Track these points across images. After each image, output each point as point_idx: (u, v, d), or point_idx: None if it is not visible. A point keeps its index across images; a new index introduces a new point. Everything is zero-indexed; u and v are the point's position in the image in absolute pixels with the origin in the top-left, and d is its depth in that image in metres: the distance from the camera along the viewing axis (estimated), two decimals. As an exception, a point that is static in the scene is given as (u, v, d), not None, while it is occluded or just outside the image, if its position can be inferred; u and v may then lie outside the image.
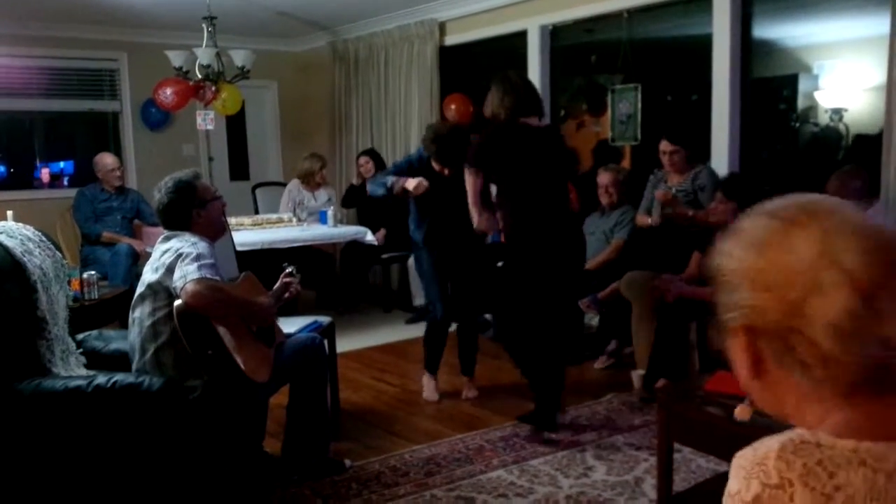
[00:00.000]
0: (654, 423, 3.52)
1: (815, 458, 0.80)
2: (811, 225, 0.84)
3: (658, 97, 5.57)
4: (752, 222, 0.89)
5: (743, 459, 0.85)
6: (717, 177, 4.56)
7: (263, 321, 2.92)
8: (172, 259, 2.68)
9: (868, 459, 0.79)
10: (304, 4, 6.61)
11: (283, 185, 6.93)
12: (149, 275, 2.77)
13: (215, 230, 2.94)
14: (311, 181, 6.56)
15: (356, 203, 6.64)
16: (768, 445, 0.84)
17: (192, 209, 2.86)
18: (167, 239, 2.82)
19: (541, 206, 3.55)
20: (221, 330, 2.67)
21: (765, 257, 0.84)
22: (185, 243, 2.72)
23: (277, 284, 3.18)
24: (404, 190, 4.04)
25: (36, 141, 7.57)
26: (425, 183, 4.00)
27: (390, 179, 4.09)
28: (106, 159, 6.02)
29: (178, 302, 2.62)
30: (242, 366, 2.67)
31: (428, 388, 4.26)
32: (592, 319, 5.40)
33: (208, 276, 2.60)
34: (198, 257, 2.63)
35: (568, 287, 3.74)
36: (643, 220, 4.72)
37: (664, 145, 4.58)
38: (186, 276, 2.58)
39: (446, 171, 4.05)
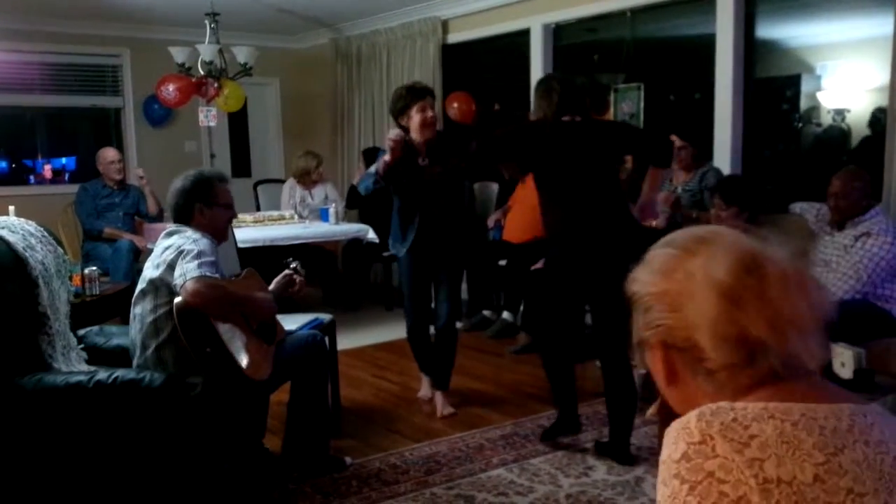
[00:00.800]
0: (655, 423, 3.52)
1: (730, 417, 0.91)
2: (700, 251, 1.00)
3: (661, 96, 5.57)
4: (658, 252, 1.04)
5: (670, 429, 0.95)
6: (723, 176, 4.56)
7: (264, 316, 2.92)
8: (174, 256, 2.68)
9: (776, 413, 0.91)
10: (307, 1, 6.61)
11: (285, 182, 6.93)
12: (150, 271, 2.77)
13: (214, 234, 2.90)
14: (306, 179, 6.55)
15: (358, 203, 6.63)
16: (688, 414, 0.94)
17: (196, 202, 2.86)
18: (169, 235, 2.82)
19: (578, 201, 3.32)
20: (222, 328, 2.67)
21: (667, 281, 1.00)
22: (187, 240, 2.72)
23: (278, 278, 3.18)
24: (386, 164, 3.68)
25: (38, 136, 7.57)
26: (399, 131, 3.71)
27: (374, 167, 3.80)
28: (107, 152, 6.03)
29: (177, 300, 2.62)
30: (242, 364, 2.67)
31: (423, 386, 4.22)
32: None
33: (208, 273, 2.60)
34: (199, 255, 2.63)
35: (609, 286, 3.18)
36: (647, 221, 4.71)
37: (675, 140, 4.57)
38: (186, 274, 2.58)
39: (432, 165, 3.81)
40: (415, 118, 3.72)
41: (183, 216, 2.87)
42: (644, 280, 1.02)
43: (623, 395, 3.36)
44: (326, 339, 3.38)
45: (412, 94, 3.76)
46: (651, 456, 3.30)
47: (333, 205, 6.13)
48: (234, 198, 3.04)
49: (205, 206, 2.87)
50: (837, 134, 4.93)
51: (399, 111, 3.79)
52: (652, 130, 4.62)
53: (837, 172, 3.83)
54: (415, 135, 3.74)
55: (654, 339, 0.99)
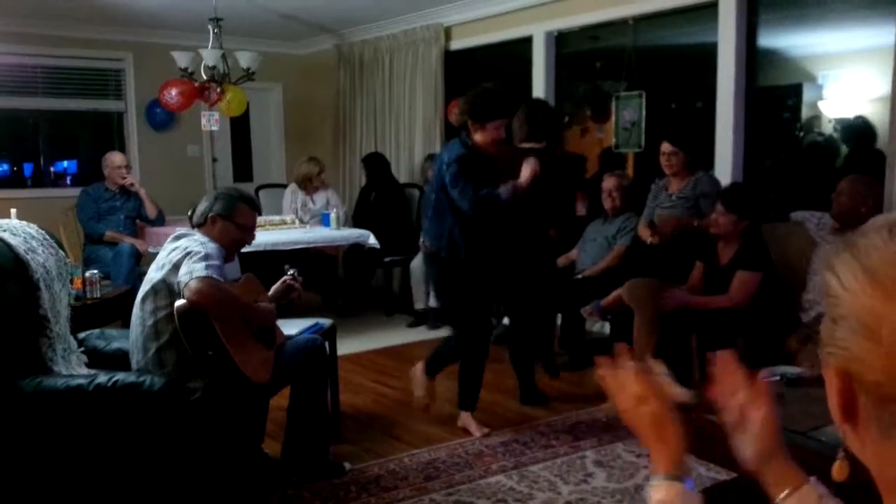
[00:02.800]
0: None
1: None
2: None
3: (662, 104, 5.58)
4: (876, 238, 0.69)
5: None
6: (718, 184, 4.56)
7: (264, 323, 2.92)
8: (180, 256, 2.69)
9: None
10: (310, 7, 6.63)
11: (287, 187, 6.94)
12: (153, 273, 2.78)
13: (223, 246, 2.87)
14: (308, 185, 6.56)
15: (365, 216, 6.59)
16: None
17: (213, 213, 2.89)
18: (177, 238, 2.84)
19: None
20: (221, 330, 2.67)
21: (887, 301, 0.65)
22: (194, 242, 2.74)
23: (277, 286, 3.19)
24: (523, 187, 3.68)
25: (40, 140, 7.58)
26: (536, 165, 3.72)
27: (501, 192, 3.61)
28: (114, 157, 6.04)
29: (179, 301, 2.63)
30: (242, 367, 2.67)
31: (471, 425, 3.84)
32: (594, 326, 5.39)
33: (214, 276, 2.61)
34: (206, 256, 2.65)
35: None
36: (644, 232, 4.72)
37: (665, 146, 4.58)
38: (193, 273, 2.59)
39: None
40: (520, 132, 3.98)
41: (199, 221, 2.92)
42: (848, 281, 0.68)
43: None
44: (326, 343, 3.38)
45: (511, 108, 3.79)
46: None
47: (335, 210, 6.14)
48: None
49: (219, 217, 2.89)
50: (838, 144, 4.93)
51: (489, 116, 3.63)
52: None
53: (849, 175, 3.83)
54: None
55: (834, 362, 0.70)
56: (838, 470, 0.77)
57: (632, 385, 1.04)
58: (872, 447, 0.69)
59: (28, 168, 7.46)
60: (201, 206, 2.96)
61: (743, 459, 1.01)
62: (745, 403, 1.04)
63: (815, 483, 1.00)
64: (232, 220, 2.92)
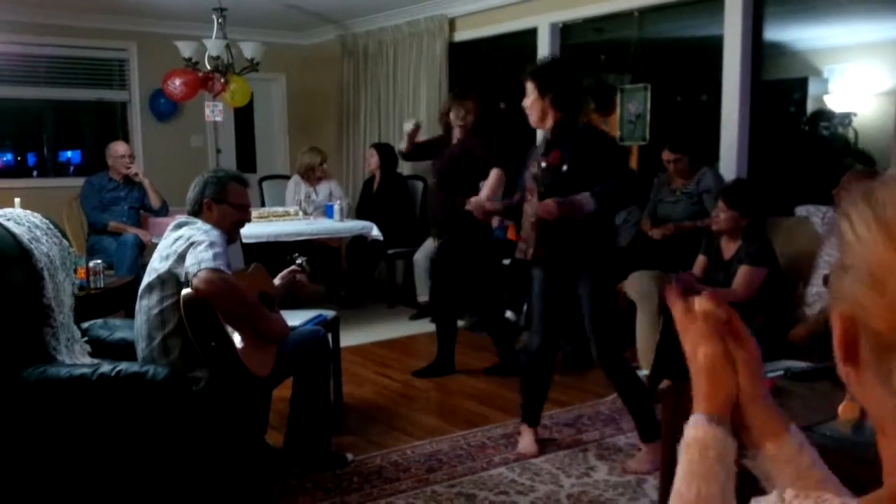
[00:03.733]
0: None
1: None
2: None
3: (667, 97, 5.56)
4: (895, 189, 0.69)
5: None
6: (721, 179, 4.55)
7: (269, 332, 2.83)
8: (185, 247, 2.68)
9: None
10: (315, -2, 6.61)
11: (290, 178, 6.94)
12: (157, 263, 2.77)
13: (225, 230, 2.87)
14: (311, 176, 6.55)
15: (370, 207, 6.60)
16: None
17: (205, 198, 2.87)
18: (179, 227, 2.82)
19: None
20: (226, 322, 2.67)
21: (891, 248, 0.66)
22: (198, 231, 2.73)
23: (283, 273, 3.18)
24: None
25: (44, 129, 7.59)
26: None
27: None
28: (118, 146, 6.05)
29: (185, 291, 2.62)
30: (245, 359, 2.67)
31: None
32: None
33: (223, 267, 2.61)
34: (211, 244, 2.64)
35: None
36: (647, 227, 4.72)
37: (666, 154, 4.59)
38: (201, 263, 2.58)
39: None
40: None
41: (194, 209, 2.90)
42: (860, 231, 0.69)
43: (631, 391, 3.34)
44: (329, 335, 3.38)
45: None
46: (653, 457, 3.30)
47: (338, 201, 6.14)
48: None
49: (213, 201, 2.88)
50: (843, 137, 4.92)
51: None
52: None
53: (852, 170, 3.82)
54: None
55: (839, 308, 0.71)
56: (844, 410, 0.77)
57: (699, 323, 1.01)
58: (871, 390, 0.70)
59: (32, 157, 7.46)
60: (192, 194, 2.93)
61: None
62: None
63: (795, 431, 0.99)
64: (227, 201, 2.91)
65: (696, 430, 0.94)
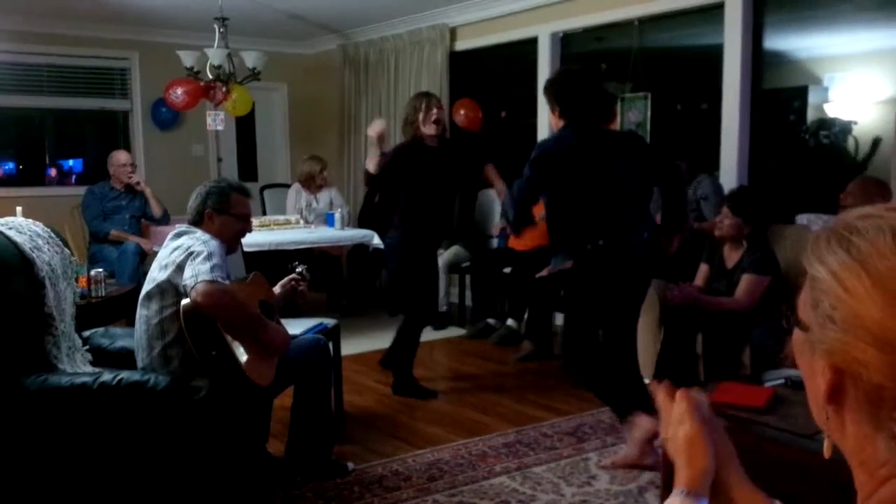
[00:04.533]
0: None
1: None
2: None
3: (668, 106, 5.57)
4: (880, 242, 0.70)
5: None
6: (720, 186, 4.55)
7: (269, 340, 2.80)
8: (183, 257, 2.68)
9: None
10: (316, 7, 6.63)
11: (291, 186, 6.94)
12: (157, 272, 2.77)
13: (223, 241, 2.86)
14: (311, 184, 6.56)
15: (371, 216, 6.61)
16: None
17: (207, 208, 2.87)
18: (178, 236, 2.82)
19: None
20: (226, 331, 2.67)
21: (892, 309, 0.67)
22: (196, 241, 2.72)
23: (283, 282, 3.18)
24: None
25: (46, 138, 7.61)
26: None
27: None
28: (120, 155, 6.07)
29: (185, 301, 2.62)
30: (245, 368, 2.67)
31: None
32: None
33: (220, 278, 2.60)
34: (209, 256, 2.64)
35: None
36: None
37: None
38: (198, 276, 2.58)
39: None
40: None
41: (195, 219, 2.89)
42: (855, 289, 0.69)
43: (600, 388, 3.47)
44: (330, 343, 3.38)
45: None
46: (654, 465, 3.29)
47: (339, 210, 6.14)
48: (241, 201, 3.04)
49: (215, 211, 2.88)
50: (843, 146, 4.92)
51: None
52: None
53: (859, 176, 3.82)
54: None
55: (829, 360, 0.72)
56: (826, 449, 0.81)
57: (679, 406, 1.06)
58: (855, 431, 0.73)
59: (34, 166, 7.47)
60: (193, 204, 2.92)
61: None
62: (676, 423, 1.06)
63: None
64: (229, 212, 2.91)
65: (672, 501, 0.99)
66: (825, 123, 4.98)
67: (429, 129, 4.22)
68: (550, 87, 3.37)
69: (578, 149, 3.23)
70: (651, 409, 3.24)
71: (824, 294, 0.72)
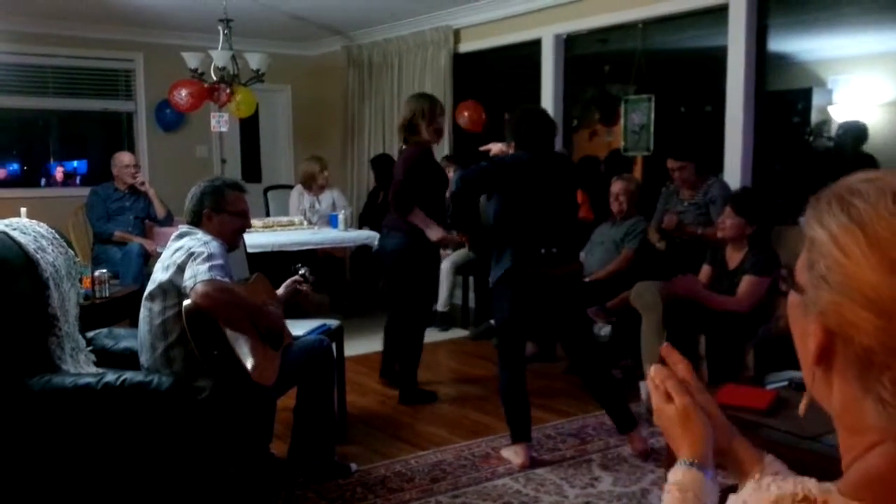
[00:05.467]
0: (661, 435, 3.50)
1: None
2: None
3: (671, 108, 5.57)
4: (880, 205, 0.69)
5: None
6: (728, 189, 4.55)
7: (272, 326, 2.91)
8: (184, 258, 2.69)
9: None
10: (320, 9, 6.64)
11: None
12: (159, 273, 2.78)
13: (223, 240, 2.88)
14: (312, 184, 6.56)
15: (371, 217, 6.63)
16: (759, 501, 0.75)
17: (205, 208, 2.87)
18: (180, 237, 2.83)
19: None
20: (228, 332, 2.67)
21: (887, 272, 0.66)
22: (197, 242, 2.73)
23: (286, 283, 3.19)
24: None
25: (50, 139, 7.62)
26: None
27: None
28: (123, 156, 6.08)
29: (186, 302, 2.63)
30: (249, 368, 2.68)
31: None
32: (602, 330, 5.38)
33: (218, 277, 2.61)
34: (209, 257, 2.64)
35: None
36: (653, 237, 4.72)
37: (671, 163, 4.59)
38: (197, 276, 2.59)
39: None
40: None
41: (193, 220, 2.89)
42: (851, 251, 0.69)
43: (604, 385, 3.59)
44: (333, 345, 3.38)
45: None
46: (658, 468, 3.29)
47: (343, 211, 6.15)
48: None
49: (213, 211, 2.88)
50: (847, 148, 4.92)
51: None
52: None
53: None
54: None
55: (822, 321, 0.72)
56: (802, 406, 0.81)
57: (670, 381, 1.06)
58: (842, 392, 0.73)
59: (38, 167, 7.49)
60: (189, 205, 2.92)
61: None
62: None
63: (772, 461, 1.03)
64: (226, 210, 2.91)
65: (674, 474, 0.98)
66: (829, 125, 4.97)
67: (432, 137, 4.25)
68: (509, 123, 3.62)
69: (528, 166, 3.45)
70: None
71: (821, 256, 0.71)
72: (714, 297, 3.95)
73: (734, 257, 4.00)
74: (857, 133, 4.80)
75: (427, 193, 4.22)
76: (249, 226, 3.07)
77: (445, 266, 5.98)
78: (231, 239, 2.95)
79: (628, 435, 3.54)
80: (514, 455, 3.45)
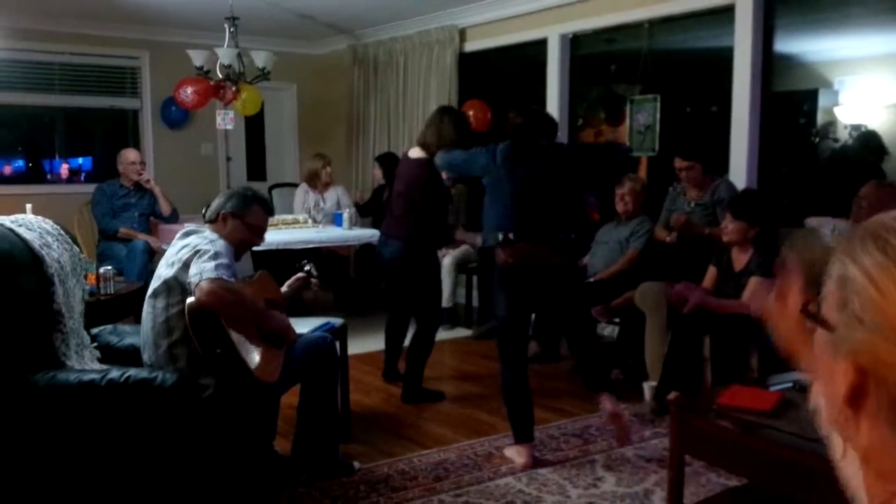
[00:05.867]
0: (665, 436, 3.50)
1: None
2: None
3: (677, 108, 5.56)
4: None
5: None
6: (735, 190, 4.54)
7: (276, 329, 2.89)
8: (189, 255, 2.69)
9: None
10: (326, 8, 6.65)
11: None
12: (164, 269, 2.78)
13: (232, 245, 2.87)
14: (316, 182, 6.56)
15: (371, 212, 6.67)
16: None
17: (225, 210, 2.90)
18: (186, 234, 2.84)
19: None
20: (232, 330, 2.67)
21: None
22: (203, 240, 2.73)
23: (291, 281, 3.19)
24: None
25: (56, 136, 7.64)
26: None
27: None
28: (129, 153, 6.10)
29: (190, 299, 2.63)
30: (252, 367, 2.68)
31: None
32: (605, 330, 5.38)
33: (224, 276, 2.61)
34: (215, 255, 2.65)
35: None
36: (661, 234, 4.71)
37: (678, 162, 4.57)
38: (202, 274, 2.59)
39: None
40: None
41: (212, 218, 2.92)
42: (887, 290, 0.68)
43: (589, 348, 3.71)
44: (337, 342, 3.39)
45: None
46: (661, 469, 3.29)
47: (347, 210, 6.15)
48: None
49: (231, 215, 2.89)
50: (853, 150, 4.90)
51: None
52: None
53: (874, 179, 3.81)
54: None
55: (854, 360, 0.70)
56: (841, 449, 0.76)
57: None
58: (871, 434, 0.71)
59: (44, 164, 7.51)
60: (215, 203, 2.96)
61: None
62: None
63: None
64: (244, 219, 2.92)
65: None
66: (835, 126, 4.96)
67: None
68: (508, 121, 3.70)
69: (519, 154, 3.53)
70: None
71: (856, 294, 0.70)
72: (719, 303, 3.94)
73: (740, 259, 3.99)
74: (868, 140, 4.79)
75: (439, 197, 4.38)
76: (258, 244, 3.08)
77: (447, 262, 5.98)
78: (237, 247, 2.93)
79: (600, 395, 3.54)
80: (516, 455, 3.46)
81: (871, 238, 0.71)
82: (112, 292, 3.94)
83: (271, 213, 3.07)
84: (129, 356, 2.92)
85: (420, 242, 4.26)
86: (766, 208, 3.98)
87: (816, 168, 5.07)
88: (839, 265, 0.72)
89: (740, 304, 3.84)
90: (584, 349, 3.69)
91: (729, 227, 3.94)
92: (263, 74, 6.01)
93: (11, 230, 2.66)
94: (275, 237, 5.43)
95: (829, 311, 0.74)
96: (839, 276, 0.72)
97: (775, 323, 0.94)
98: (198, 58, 5.84)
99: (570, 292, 3.61)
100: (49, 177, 7.46)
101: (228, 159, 7.31)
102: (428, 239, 4.33)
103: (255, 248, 4.90)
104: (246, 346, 2.71)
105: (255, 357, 2.72)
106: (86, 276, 3.14)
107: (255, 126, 8.19)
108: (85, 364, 2.73)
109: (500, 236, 3.40)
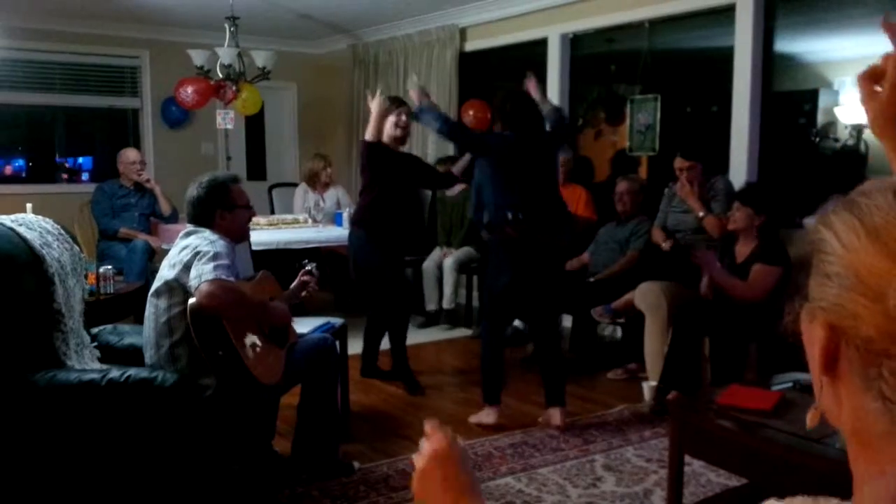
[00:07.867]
0: (665, 436, 3.50)
1: None
2: None
3: (677, 108, 5.56)
4: (880, 198, 0.69)
5: None
6: (731, 185, 4.54)
7: (278, 323, 2.93)
8: (190, 256, 2.69)
9: None
10: (327, 7, 6.65)
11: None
12: (165, 270, 2.78)
13: (236, 236, 2.93)
14: (316, 182, 6.57)
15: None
16: None
17: (217, 209, 2.88)
18: (187, 235, 2.83)
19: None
20: (233, 331, 2.67)
21: (882, 255, 0.66)
22: (204, 241, 2.73)
23: (295, 282, 3.20)
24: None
25: (56, 136, 7.64)
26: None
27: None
28: (129, 153, 6.10)
29: (191, 301, 2.64)
30: (252, 369, 2.68)
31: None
32: (606, 330, 5.38)
33: (223, 276, 2.61)
34: (215, 256, 2.65)
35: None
36: (658, 237, 4.70)
37: (679, 162, 4.56)
38: (202, 276, 2.59)
39: None
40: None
41: (204, 222, 2.88)
42: (842, 236, 0.70)
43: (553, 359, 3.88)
44: (337, 343, 3.39)
45: None
46: (661, 469, 3.29)
47: (347, 209, 6.15)
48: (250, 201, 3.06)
49: (225, 210, 2.89)
50: (853, 150, 4.90)
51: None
52: None
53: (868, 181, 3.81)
54: None
55: (823, 317, 0.71)
56: (811, 418, 0.77)
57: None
58: (850, 400, 0.71)
59: (44, 164, 7.51)
60: (196, 210, 2.88)
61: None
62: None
63: None
64: (236, 205, 2.93)
65: None
66: (835, 126, 4.96)
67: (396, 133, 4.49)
68: (494, 104, 4.03)
69: (513, 141, 3.82)
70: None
71: (824, 254, 0.71)
72: (727, 280, 3.94)
73: (743, 251, 4.00)
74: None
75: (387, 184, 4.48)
76: (255, 213, 3.12)
77: (448, 263, 5.98)
78: (242, 231, 2.99)
79: (551, 409, 3.82)
80: (485, 416, 3.84)
81: (842, 204, 0.72)
82: (112, 292, 3.94)
83: (240, 179, 3.07)
84: (130, 356, 2.92)
85: (376, 226, 4.41)
86: (773, 198, 4.01)
87: (816, 168, 5.07)
88: (816, 234, 0.74)
89: (749, 287, 3.85)
90: (548, 354, 3.89)
91: (736, 215, 3.97)
92: (263, 74, 6.01)
93: (12, 230, 2.66)
94: (274, 237, 5.43)
95: (811, 286, 0.74)
96: (815, 243, 0.74)
97: (866, 107, 0.97)
98: (198, 57, 5.84)
99: (555, 271, 3.97)
100: (49, 176, 7.46)
101: (228, 159, 7.31)
102: (373, 222, 4.42)
103: (255, 248, 4.94)
104: (247, 347, 2.71)
105: (256, 360, 2.72)
106: (86, 276, 3.15)
107: (255, 126, 8.19)
108: (85, 364, 2.74)
109: (510, 215, 3.71)
